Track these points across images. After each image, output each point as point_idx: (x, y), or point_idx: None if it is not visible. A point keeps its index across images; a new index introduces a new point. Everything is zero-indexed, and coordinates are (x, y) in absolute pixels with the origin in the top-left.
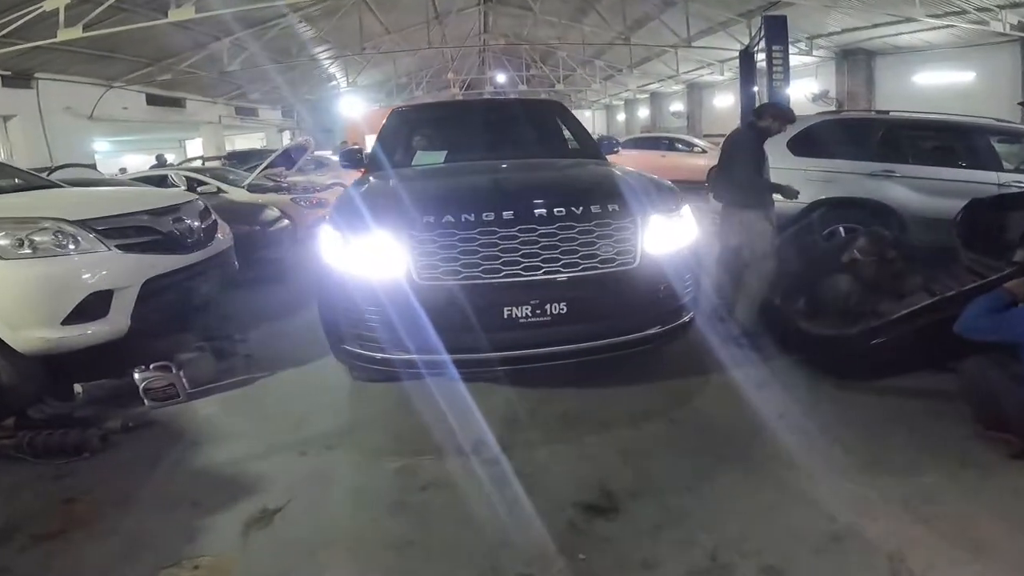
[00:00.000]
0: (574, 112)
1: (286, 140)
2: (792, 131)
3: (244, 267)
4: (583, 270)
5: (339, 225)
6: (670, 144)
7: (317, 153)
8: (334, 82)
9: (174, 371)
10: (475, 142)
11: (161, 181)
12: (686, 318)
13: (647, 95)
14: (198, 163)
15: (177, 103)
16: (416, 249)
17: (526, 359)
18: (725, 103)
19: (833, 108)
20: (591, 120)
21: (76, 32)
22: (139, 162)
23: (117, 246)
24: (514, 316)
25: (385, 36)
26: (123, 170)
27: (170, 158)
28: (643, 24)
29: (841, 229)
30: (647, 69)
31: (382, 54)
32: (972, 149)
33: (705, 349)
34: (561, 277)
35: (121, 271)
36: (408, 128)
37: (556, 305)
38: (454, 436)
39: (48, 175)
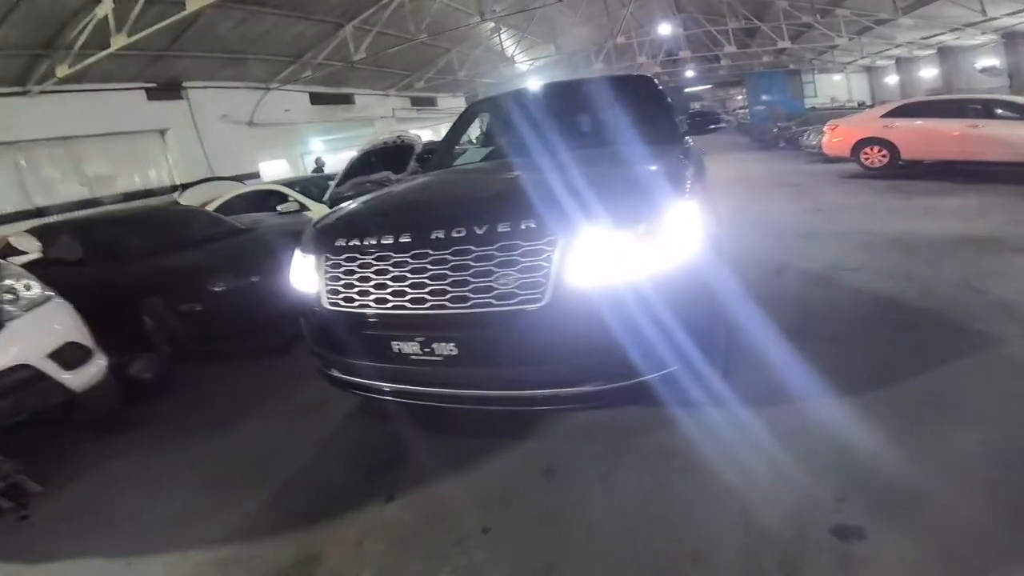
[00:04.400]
0: (816, 76)
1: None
2: None
3: (244, 331)
4: (473, 306)
5: (301, 243)
6: (986, 109)
7: None
8: (504, 62)
9: None
10: (527, 135)
11: (267, 197)
12: (632, 381)
13: (932, 51)
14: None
15: (345, 99)
16: (327, 273)
17: (420, 396)
18: None
19: None
20: (845, 85)
21: (123, 39)
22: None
23: None
24: (403, 352)
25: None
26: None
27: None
28: None
29: None
30: (927, 14)
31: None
32: None
33: None
34: (447, 313)
35: None
36: (472, 123)
37: (444, 345)
38: None
39: (180, 194)
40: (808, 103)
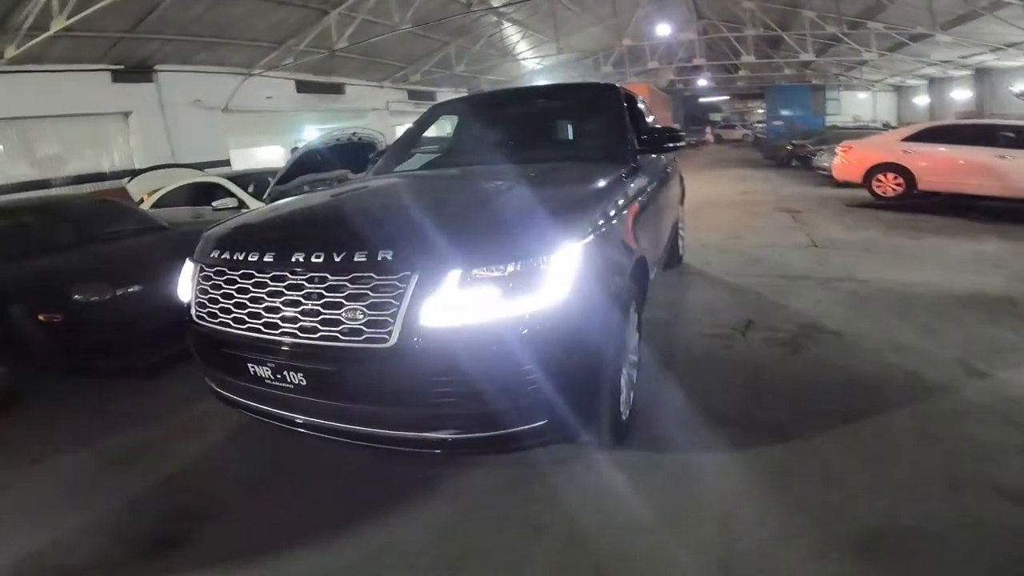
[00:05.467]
0: (841, 92)
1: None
2: None
3: (114, 347)
4: (321, 338)
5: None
6: (1019, 137)
7: None
8: (508, 59)
9: None
10: (466, 145)
11: (208, 191)
12: (490, 433)
13: (968, 71)
14: None
15: (335, 89)
16: (199, 285)
17: (278, 419)
18: None
19: None
20: (871, 104)
21: (62, 21)
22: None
23: None
24: (258, 375)
25: None
26: None
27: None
28: None
29: None
30: (968, 31)
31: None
32: None
33: None
34: (296, 342)
35: None
36: (429, 126)
37: (293, 374)
38: None
39: (129, 181)
40: (829, 121)
